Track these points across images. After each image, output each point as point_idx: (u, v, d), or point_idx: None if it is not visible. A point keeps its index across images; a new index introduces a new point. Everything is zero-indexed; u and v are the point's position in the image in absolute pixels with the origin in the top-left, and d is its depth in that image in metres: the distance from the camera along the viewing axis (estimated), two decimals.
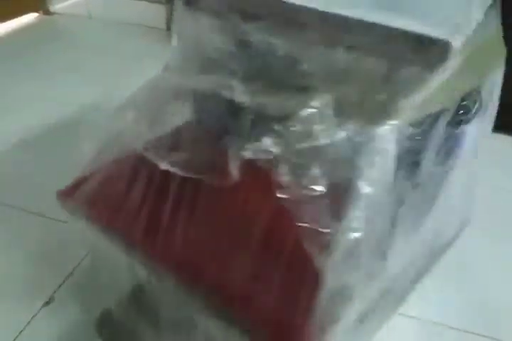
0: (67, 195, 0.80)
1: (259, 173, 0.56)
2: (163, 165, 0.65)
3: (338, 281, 0.58)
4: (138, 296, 0.86)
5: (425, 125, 0.61)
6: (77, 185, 0.79)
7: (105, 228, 0.77)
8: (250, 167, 0.57)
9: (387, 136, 0.54)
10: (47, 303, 1.13)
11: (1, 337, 1.06)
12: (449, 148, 0.73)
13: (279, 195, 0.54)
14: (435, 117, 0.63)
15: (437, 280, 1.16)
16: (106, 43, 2.29)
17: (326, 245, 0.55)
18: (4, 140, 1.65)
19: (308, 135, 0.54)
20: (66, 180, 0.83)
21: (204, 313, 0.69)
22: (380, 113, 0.53)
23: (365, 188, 0.54)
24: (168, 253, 0.69)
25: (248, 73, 0.58)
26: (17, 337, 1.06)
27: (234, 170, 0.57)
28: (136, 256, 0.74)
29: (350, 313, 0.64)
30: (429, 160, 0.66)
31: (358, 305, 0.64)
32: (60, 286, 1.16)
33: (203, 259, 0.66)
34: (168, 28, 2.25)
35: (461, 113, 0.69)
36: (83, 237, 0.86)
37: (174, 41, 0.67)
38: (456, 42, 0.47)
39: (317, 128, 0.54)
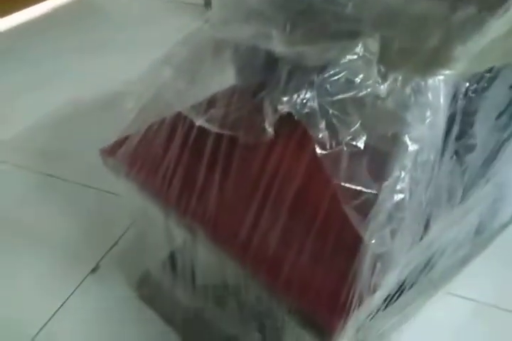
0: (109, 153, 0.81)
1: (295, 128, 0.52)
2: (199, 122, 0.63)
3: (379, 247, 0.54)
4: (174, 258, 0.86)
5: (484, 81, 0.55)
6: (118, 144, 0.80)
7: (143, 187, 0.77)
8: (287, 122, 0.53)
9: (440, 88, 0.49)
10: (93, 271, 1.16)
11: (50, 303, 1.09)
12: None
13: (316, 152, 0.50)
14: (496, 73, 0.56)
15: (492, 261, 1.11)
16: (144, 20, 2.29)
17: (366, 207, 0.51)
18: (51, 113, 1.67)
19: (350, 85, 0.49)
20: None
21: (236, 277, 0.67)
22: (433, 61, 0.48)
23: (412, 145, 0.49)
24: (201, 213, 0.68)
25: (289, 20, 0.54)
26: (64, 302, 1.09)
27: (269, 127, 0.54)
28: (171, 215, 0.73)
29: (390, 282, 0.60)
30: (485, 122, 0.60)
31: (398, 274, 0.60)
32: (105, 255, 1.19)
33: (235, 220, 0.64)
34: (206, 4, 2.21)
35: None
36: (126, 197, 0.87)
37: None
38: None
39: (360, 77, 0.49)
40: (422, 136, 0.49)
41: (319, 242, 0.60)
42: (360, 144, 0.50)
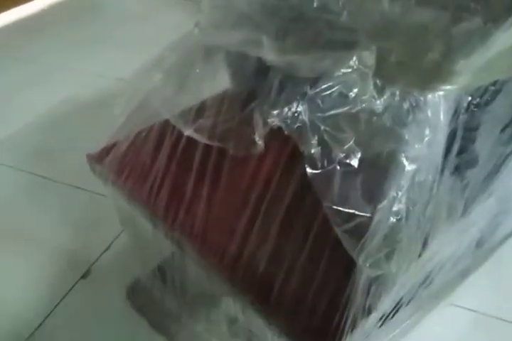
0: (97, 159, 0.78)
1: (285, 143, 0.49)
2: (188, 132, 0.60)
3: (374, 271, 0.51)
4: (163, 268, 0.83)
5: (487, 95, 0.52)
6: (106, 151, 0.77)
7: (130, 196, 0.74)
8: (278, 134, 0.50)
9: (440, 103, 0.45)
10: (84, 276, 1.13)
11: (40, 308, 1.07)
12: None
13: (306, 170, 0.47)
14: (501, 86, 0.53)
15: (492, 271, 1.08)
16: (142, 16, 2.26)
17: (360, 230, 0.48)
18: (47, 111, 1.64)
19: (344, 100, 0.46)
20: None
21: (225, 293, 0.64)
22: (433, 75, 0.44)
23: (409, 165, 0.46)
24: (189, 226, 0.65)
25: (280, 27, 0.50)
26: (55, 308, 1.07)
27: (259, 140, 0.51)
28: (159, 226, 0.70)
29: (386, 304, 0.57)
30: (488, 136, 0.57)
31: (394, 295, 0.57)
32: (97, 260, 1.17)
33: (224, 235, 0.62)
34: None
35: None
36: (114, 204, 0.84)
37: None
38: None
39: (354, 91, 0.46)
40: (420, 155, 0.45)
41: (311, 261, 0.57)
42: (354, 163, 0.47)
